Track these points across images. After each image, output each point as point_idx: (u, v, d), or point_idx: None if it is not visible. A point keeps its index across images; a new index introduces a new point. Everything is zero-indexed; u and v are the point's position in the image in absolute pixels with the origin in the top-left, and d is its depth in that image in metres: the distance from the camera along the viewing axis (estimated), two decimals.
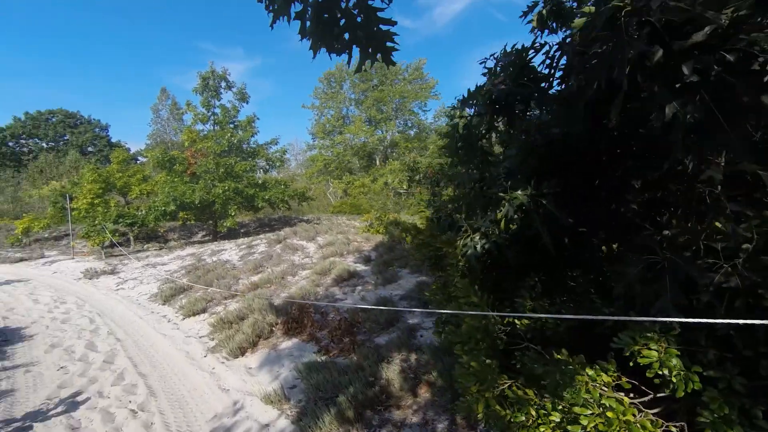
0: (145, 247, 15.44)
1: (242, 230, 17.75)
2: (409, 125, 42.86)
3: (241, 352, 4.92)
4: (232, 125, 15.70)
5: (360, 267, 8.25)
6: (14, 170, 40.70)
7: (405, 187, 11.25)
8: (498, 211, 2.15)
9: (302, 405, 3.66)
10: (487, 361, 1.92)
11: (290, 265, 9.10)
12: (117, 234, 13.90)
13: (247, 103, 16.92)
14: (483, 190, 2.62)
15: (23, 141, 47.70)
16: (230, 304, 6.84)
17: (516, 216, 2.06)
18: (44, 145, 48.29)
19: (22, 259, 13.12)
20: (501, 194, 2.16)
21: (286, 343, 5.11)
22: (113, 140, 49.46)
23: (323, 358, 4.63)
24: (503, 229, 2.11)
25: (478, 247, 2.15)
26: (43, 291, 9.16)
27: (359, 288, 6.99)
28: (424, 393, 3.51)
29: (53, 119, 50.08)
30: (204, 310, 6.65)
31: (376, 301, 5.95)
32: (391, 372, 3.79)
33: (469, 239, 2.22)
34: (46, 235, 17.60)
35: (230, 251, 11.69)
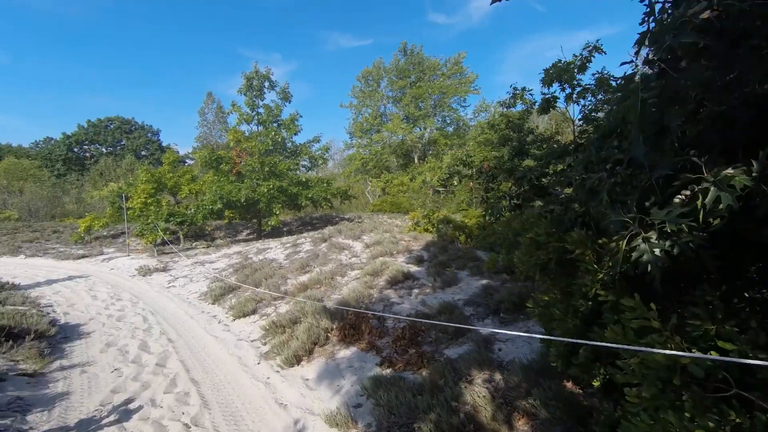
0: (194, 245, 15.80)
1: (285, 228, 17.76)
2: (448, 122, 41.82)
3: (297, 360, 4.50)
4: (275, 124, 15.68)
5: (413, 268, 7.68)
6: (78, 173, 44.01)
7: (454, 182, 10.55)
8: (686, 201, 1.48)
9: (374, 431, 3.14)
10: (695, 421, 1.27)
11: (338, 264, 8.71)
12: (168, 232, 14.28)
13: (290, 102, 16.89)
14: (632, 175, 1.94)
15: (86, 147, 51.56)
16: (280, 306, 6.51)
17: (724, 206, 1.38)
18: (104, 150, 51.93)
19: (83, 256, 13.78)
20: (689, 175, 1.49)
21: (344, 352, 4.64)
22: (164, 144, 52.24)
23: (388, 371, 4.10)
24: (699, 225, 1.44)
25: (659, 250, 1.49)
26: (100, 287, 9.39)
27: (416, 291, 6.42)
28: (522, 425, 2.87)
29: (111, 126, 53.66)
30: (254, 312, 6.37)
31: (439, 307, 5.35)
32: (477, 395, 3.18)
33: (639, 240, 1.55)
34: (105, 233, 18.56)
35: (276, 250, 11.54)
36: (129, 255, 13.61)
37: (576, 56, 6.54)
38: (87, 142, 51.06)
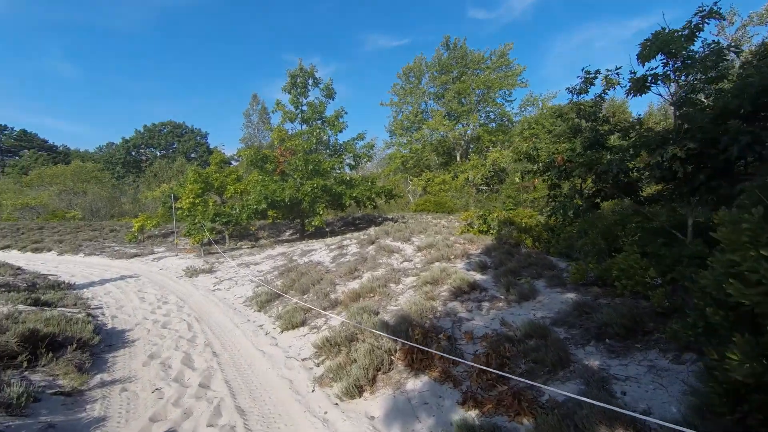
0: (239, 244, 15.75)
1: (327, 229, 17.33)
2: (492, 117, 40.03)
3: (358, 391, 3.76)
4: (319, 121, 15.25)
5: (477, 276, 6.74)
6: (135, 175, 46.83)
7: (516, 179, 9.50)
8: None
9: None
10: None
11: (389, 269, 7.94)
12: (214, 232, 14.26)
13: (333, 99, 16.40)
14: None
15: (142, 150, 54.89)
16: (332, 317, 5.84)
17: None
18: (158, 153, 55.05)
19: (135, 255, 14.07)
20: None
21: (414, 383, 3.84)
22: (211, 146, 54.47)
23: (473, 413, 3.25)
24: None
25: None
26: (149, 288, 9.27)
27: (486, 304, 5.50)
28: None
29: (164, 130, 56.74)
30: (303, 323, 5.74)
31: (525, 327, 4.40)
32: None
33: None
34: (157, 233, 19.12)
35: (320, 252, 11.01)
36: (177, 255, 13.71)
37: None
38: (143, 146, 54.36)
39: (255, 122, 40.52)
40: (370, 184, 14.99)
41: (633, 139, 7.47)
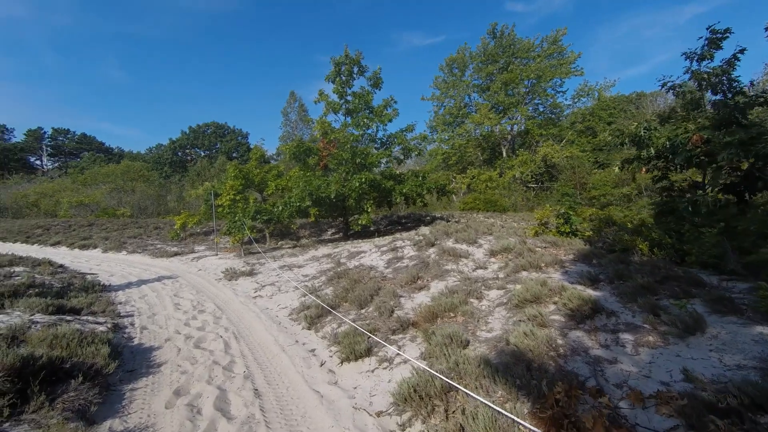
0: (279, 243, 14.85)
1: (372, 228, 16.05)
2: (540, 110, 37.25)
3: None
4: (366, 111, 13.96)
5: (590, 292, 5.08)
6: (180, 175, 48.24)
7: (615, 169, 7.64)
8: None
9: None
10: None
11: (463, 279, 6.45)
12: (254, 230, 13.41)
13: (380, 89, 15.06)
14: None
15: (187, 150, 56.67)
16: (405, 344, 4.44)
17: None
18: (202, 153, 56.62)
19: (176, 254, 13.49)
20: None
21: None
22: (251, 146, 55.25)
23: None
24: None
25: None
26: (186, 292, 8.36)
27: (627, 337, 3.86)
28: None
29: (208, 131, 58.25)
30: (368, 352, 4.37)
31: (730, 386, 2.75)
32: None
33: None
34: (198, 231, 18.73)
35: (371, 254, 9.68)
36: (217, 254, 12.95)
37: None
38: (188, 146, 56.13)
39: (293, 120, 40.27)
40: (420, 179, 13.52)
41: None
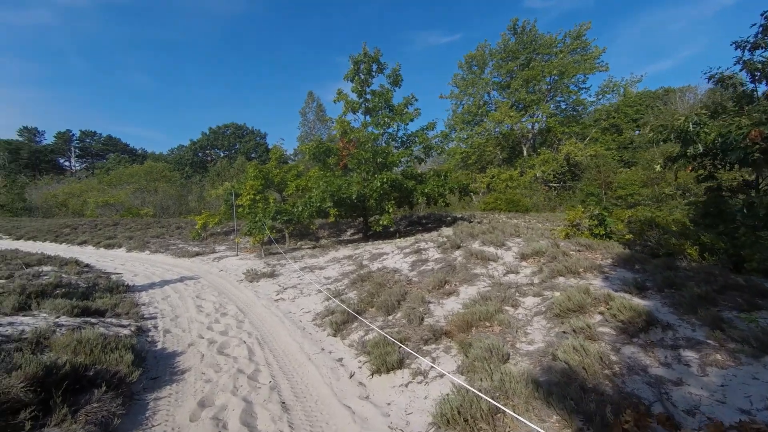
0: (298, 244, 14.76)
1: (392, 228, 15.78)
2: (563, 107, 36.18)
3: None
4: (386, 110, 13.69)
5: (638, 301, 4.67)
6: (201, 175, 49.11)
7: (657, 167, 7.13)
8: None
9: None
10: None
11: (494, 285, 6.11)
12: (274, 230, 13.34)
13: (400, 86, 14.76)
14: None
15: (207, 151, 57.67)
16: (440, 356, 4.16)
17: None
18: (221, 153, 57.51)
19: (197, 254, 13.55)
20: None
21: None
22: (270, 146, 55.81)
23: None
24: None
25: None
26: (208, 294, 8.29)
27: (691, 355, 3.47)
28: None
29: (227, 132, 59.10)
30: (401, 364, 4.10)
31: None
32: None
33: None
34: (219, 230, 18.87)
35: (393, 256, 9.41)
36: (238, 254, 12.93)
37: None
38: (208, 147, 57.12)
39: (311, 120, 40.36)
40: (443, 178, 13.16)
41: None
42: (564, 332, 4.21)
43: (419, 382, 3.77)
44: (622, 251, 6.99)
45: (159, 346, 5.27)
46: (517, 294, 5.61)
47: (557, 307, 4.74)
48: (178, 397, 3.84)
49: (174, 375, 4.34)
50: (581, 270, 6.07)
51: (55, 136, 64.69)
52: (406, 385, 3.76)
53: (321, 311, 6.35)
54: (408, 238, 12.46)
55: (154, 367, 4.55)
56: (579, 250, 7.48)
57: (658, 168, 7.37)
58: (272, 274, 9.48)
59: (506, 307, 5.21)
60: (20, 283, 7.33)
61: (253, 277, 9.36)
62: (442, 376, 3.76)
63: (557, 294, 5.22)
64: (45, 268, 9.96)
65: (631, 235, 7.61)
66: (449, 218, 17.03)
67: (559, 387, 3.11)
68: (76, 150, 66.68)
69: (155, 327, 6.09)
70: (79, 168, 64.61)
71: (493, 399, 2.97)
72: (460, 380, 3.52)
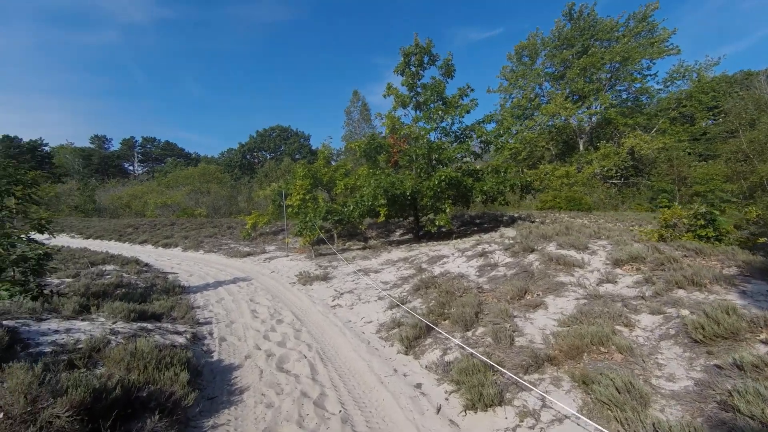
0: (347, 245, 14.30)
1: (444, 228, 14.88)
2: (624, 97, 33.12)
3: None
4: (439, 102, 12.83)
5: None
6: (249, 176, 50.83)
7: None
8: None
9: None
10: None
11: (590, 297, 5.10)
12: (323, 230, 12.96)
13: (453, 78, 13.81)
14: None
15: (255, 153, 59.72)
16: (550, 391, 3.30)
17: None
18: (267, 155, 59.30)
19: (248, 254, 13.51)
20: None
21: None
22: (313, 147, 56.73)
23: None
24: None
25: None
26: (261, 297, 7.94)
27: None
28: None
29: (273, 134, 60.79)
30: (500, 398, 3.30)
31: None
32: None
33: None
34: (268, 230, 18.97)
35: (455, 259, 8.57)
36: (288, 255, 12.69)
37: None
38: (256, 149, 59.14)
39: (356, 119, 40.24)
40: (502, 175, 12.08)
41: None
42: (719, 366, 3.20)
43: (530, 427, 2.94)
44: (749, 257, 5.67)
45: (215, 357, 4.86)
46: (626, 310, 4.59)
47: (695, 331, 3.70)
48: (237, 425, 3.31)
49: (232, 395, 3.84)
50: (707, 282, 4.90)
51: (121, 143, 70.17)
52: (514, 430, 2.96)
53: (386, 322, 5.68)
54: (465, 239, 11.53)
55: (211, 383, 4.09)
56: (686, 256, 6.23)
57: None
58: (325, 277, 8.99)
59: (617, 326, 4.23)
60: (84, 283, 7.38)
61: (306, 280, 8.93)
62: (561, 420, 2.91)
63: (686, 312, 4.16)
64: (108, 267, 10.21)
65: (765, 239, 6.22)
66: (506, 218, 15.82)
67: None
68: (139, 155, 71.88)
69: (210, 334, 5.73)
70: (140, 171, 69.59)
71: None
72: (590, 429, 2.67)
